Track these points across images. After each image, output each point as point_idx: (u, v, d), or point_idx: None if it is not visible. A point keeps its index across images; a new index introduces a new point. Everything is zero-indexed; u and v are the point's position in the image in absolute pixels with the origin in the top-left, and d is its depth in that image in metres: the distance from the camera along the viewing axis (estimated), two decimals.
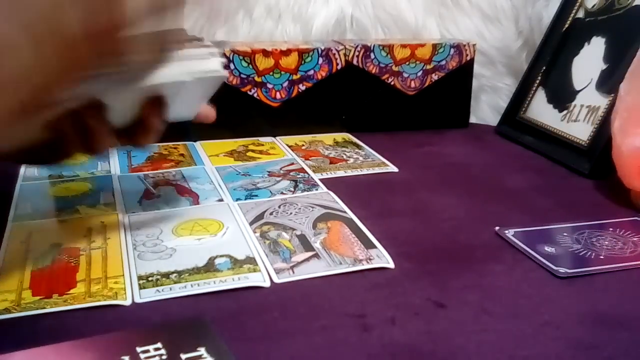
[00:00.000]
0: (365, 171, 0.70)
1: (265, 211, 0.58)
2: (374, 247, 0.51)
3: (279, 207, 0.59)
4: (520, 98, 0.86)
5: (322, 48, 0.80)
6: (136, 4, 0.39)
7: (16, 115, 0.37)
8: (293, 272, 0.47)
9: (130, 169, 0.68)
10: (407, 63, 0.84)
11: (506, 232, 0.55)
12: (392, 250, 0.51)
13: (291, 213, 0.57)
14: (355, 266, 0.48)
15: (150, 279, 0.46)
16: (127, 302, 0.43)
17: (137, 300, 0.43)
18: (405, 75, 0.85)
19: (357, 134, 0.83)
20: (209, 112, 0.57)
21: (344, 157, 0.75)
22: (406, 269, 0.49)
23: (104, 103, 0.45)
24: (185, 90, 0.48)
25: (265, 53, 0.78)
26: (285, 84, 0.80)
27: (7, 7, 0.36)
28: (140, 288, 0.44)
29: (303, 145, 0.79)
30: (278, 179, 0.66)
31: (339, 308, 0.43)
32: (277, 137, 0.81)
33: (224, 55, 0.76)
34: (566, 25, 0.83)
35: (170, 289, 0.44)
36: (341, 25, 0.91)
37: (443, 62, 0.85)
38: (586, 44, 0.79)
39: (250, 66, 0.78)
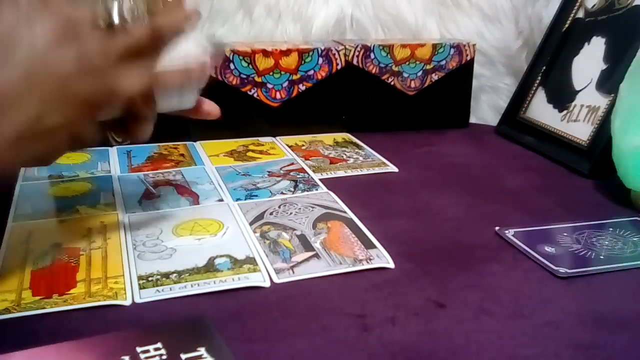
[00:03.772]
0: (365, 171, 0.70)
1: (265, 211, 0.58)
2: (374, 247, 0.51)
3: (279, 207, 0.59)
4: (520, 98, 0.86)
5: (322, 48, 0.80)
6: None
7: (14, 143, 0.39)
8: (293, 272, 0.47)
9: (130, 169, 0.68)
10: (407, 63, 0.84)
11: (506, 232, 0.55)
12: (392, 250, 0.51)
13: (291, 213, 0.57)
14: (355, 266, 0.48)
15: (150, 279, 0.46)
16: (127, 302, 0.43)
17: (137, 300, 0.43)
18: (405, 75, 0.85)
19: (357, 134, 0.83)
20: (212, 108, 0.53)
21: (344, 157, 0.75)
22: (406, 269, 0.49)
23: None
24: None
25: (265, 53, 0.78)
26: (285, 84, 0.80)
27: (7, 53, 0.38)
28: (140, 288, 0.44)
29: (303, 145, 0.79)
30: (278, 179, 0.66)
31: (339, 308, 0.43)
32: (277, 137, 0.81)
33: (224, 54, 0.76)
34: (566, 25, 0.83)
35: (170, 289, 0.44)
36: (341, 25, 0.91)
37: (443, 62, 0.85)
38: (586, 44, 0.79)
39: (250, 66, 0.78)
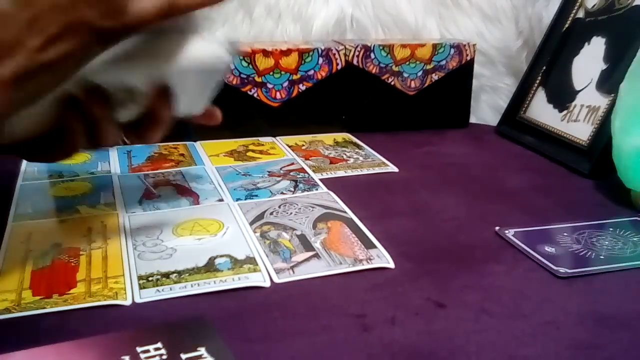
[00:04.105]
0: (365, 171, 0.70)
1: (265, 211, 0.58)
2: (374, 247, 0.51)
3: (279, 207, 0.59)
4: (520, 98, 0.86)
5: (322, 48, 0.80)
6: None
7: (12, 82, 0.37)
8: (293, 272, 0.47)
9: (131, 169, 0.68)
10: (407, 63, 0.84)
11: (506, 232, 0.55)
12: (392, 250, 0.51)
13: (291, 213, 0.57)
14: (355, 266, 0.48)
15: (150, 279, 0.46)
16: (127, 302, 0.43)
17: (137, 300, 0.43)
18: (405, 75, 0.85)
19: (357, 134, 0.83)
20: (215, 113, 0.53)
21: (344, 157, 0.75)
22: (406, 269, 0.49)
23: (108, 92, 0.44)
24: (189, 80, 0.47)
25: (265, 53, 0.78)
26: (285, 84, 0.80)
27: None
28: (140, 288, 0.44)
29: (303, 145, 0.79)
30: (278, 179, 0.66)
31: (339, 308, 0.43)
32: (277, 137, 0.81)
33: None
34: (566, 25, 0.83)
35: (171, 289, 0.44)
36: (341, 25, 0.91)
37: (443, 62, 0.85)
38: (586, 44, 0.79)
39: (250, 66, 0.78)
